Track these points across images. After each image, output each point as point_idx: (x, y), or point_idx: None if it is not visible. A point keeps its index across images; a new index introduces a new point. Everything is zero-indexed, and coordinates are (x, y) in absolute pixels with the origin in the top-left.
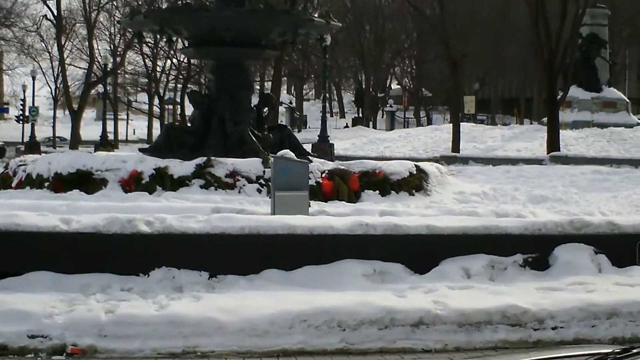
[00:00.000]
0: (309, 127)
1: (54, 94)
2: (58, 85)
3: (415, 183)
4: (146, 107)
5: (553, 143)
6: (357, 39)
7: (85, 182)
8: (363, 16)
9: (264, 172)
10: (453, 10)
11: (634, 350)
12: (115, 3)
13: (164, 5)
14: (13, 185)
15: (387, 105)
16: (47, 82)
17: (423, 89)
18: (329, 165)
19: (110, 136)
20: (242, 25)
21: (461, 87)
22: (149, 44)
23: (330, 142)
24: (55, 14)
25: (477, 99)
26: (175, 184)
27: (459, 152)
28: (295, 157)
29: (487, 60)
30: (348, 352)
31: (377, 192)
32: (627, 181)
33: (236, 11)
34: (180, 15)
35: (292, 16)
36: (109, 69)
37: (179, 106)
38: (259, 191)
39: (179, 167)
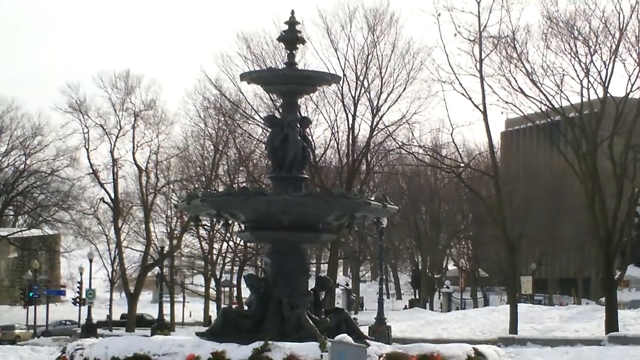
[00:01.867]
0: (366, 309)
1: (110, 276)
2: (115, 268)
3: None
4: (202, 289)
5: (611, 323)
6: (413, 220)
7: None
8: (419, 198)
9: (321, 356)
10: (509, 192)
11: None
12: (172, 186)
13: (220, 188)
14: None
15: (444, 287)
16: (104, 265)
17: (480, 270)
18: (387, 348)
19: (167, 318)
20: (299, 209)
21: (518, 268)
22: (206, 227)
23: (387, 324)
24: (112, 197)
25: (534, 279)
26: None
27: (516, 334)
28: (352, 341)
29: (544, 240)
30: None
31: None
32: None
33: (293, 195)
34: (237, 200)
35: (349, 200)
36: (165, 252)
37: (235, 288)
38: None
39: (236, 352)
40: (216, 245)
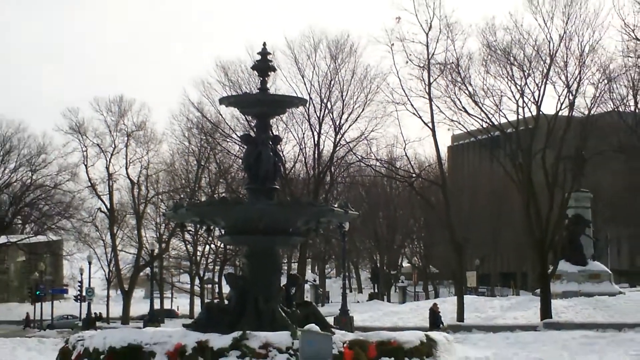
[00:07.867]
0: (331, 302)
1: (107, 276)
2: (111, 269)
3: (425, 351)
4: (188, 286)
5: (546, 311)
6: (372, 224)
7: (135, 355)
8: (377, 205)
9: (292, 343)
10: (456, 199)
11: None
12: (160, 197)
13: (203, 198)
14: (73, 358)
15: (399, 281)
16: (102, 266)
17: (430, 267)
18: (350, 336)
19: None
20: (272, 216)
21: (464, 265)
22: (190, 232)
23: (350, 314)
24: (108, 207)
25: (478, 274)
26: (215, 355)
27: (463, 322)
28: (319, 330)
29: (486, 241)
30: None
31: (393, 359)
32: (613, 344)
33: (267, 204)
34: (218, 209)
35: (316, 207)
36: (155, 254)
37: (217, 285)
38: None
39: (218, 340)
40: (200, 248)
